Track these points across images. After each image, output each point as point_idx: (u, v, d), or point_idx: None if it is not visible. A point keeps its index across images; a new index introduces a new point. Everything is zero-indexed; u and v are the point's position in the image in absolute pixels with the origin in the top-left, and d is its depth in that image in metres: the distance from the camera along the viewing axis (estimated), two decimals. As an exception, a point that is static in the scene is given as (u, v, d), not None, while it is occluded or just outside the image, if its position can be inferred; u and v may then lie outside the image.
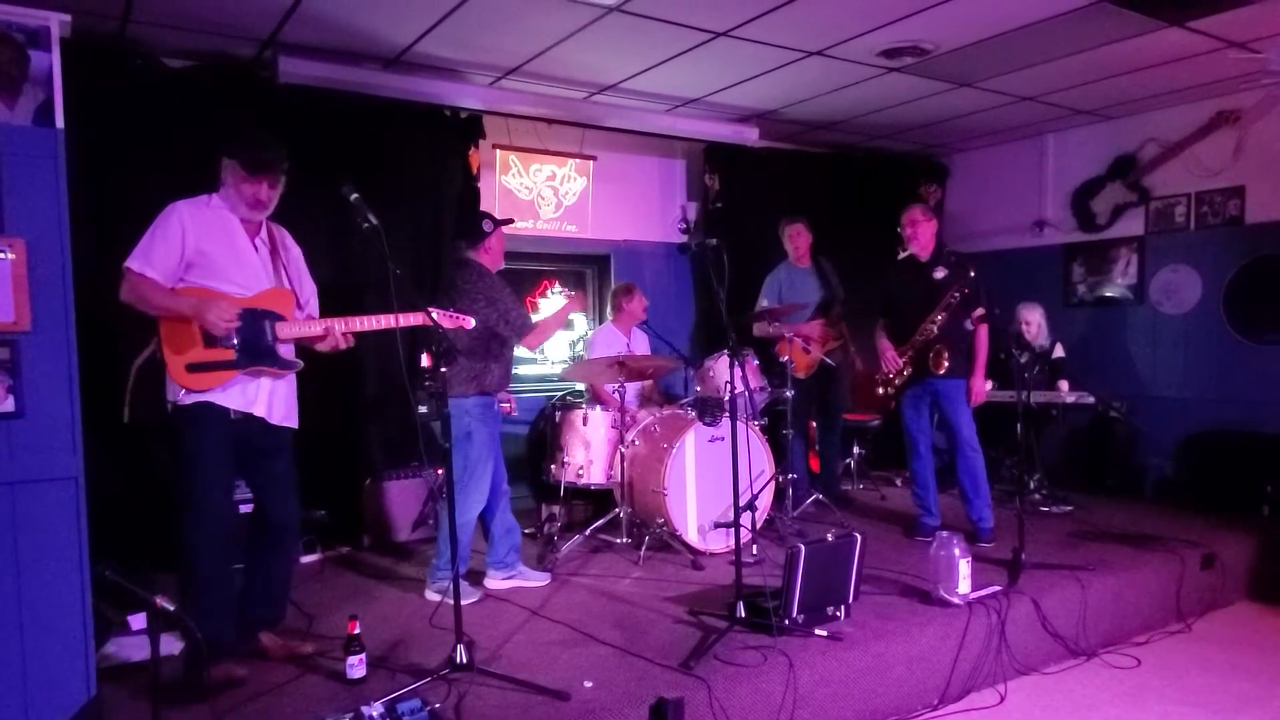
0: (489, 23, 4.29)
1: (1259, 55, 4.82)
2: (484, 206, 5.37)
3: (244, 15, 4.14)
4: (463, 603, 3.05)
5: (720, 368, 4.88)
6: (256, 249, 3.04)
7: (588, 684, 2.86)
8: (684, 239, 5.86)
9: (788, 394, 4.93)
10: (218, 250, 2.93)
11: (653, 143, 6.26)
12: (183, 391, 2.88)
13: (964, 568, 3.57)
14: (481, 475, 3.87)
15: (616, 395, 4.76)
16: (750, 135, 6.21)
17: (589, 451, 4.85)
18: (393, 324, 3.09)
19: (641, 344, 5.51)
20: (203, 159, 3.08)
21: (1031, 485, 5.55)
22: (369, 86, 4.82)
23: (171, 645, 3.08)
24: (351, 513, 4.94)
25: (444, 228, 5.25)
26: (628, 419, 4.82)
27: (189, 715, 2.71)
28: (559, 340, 6.26)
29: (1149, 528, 4.84)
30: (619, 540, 4.67)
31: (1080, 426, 6.06)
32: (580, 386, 5.65)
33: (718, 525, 4.50)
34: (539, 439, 5.73)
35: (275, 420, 3.05)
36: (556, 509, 4.99)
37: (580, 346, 5.94)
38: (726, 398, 4.15)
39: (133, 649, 3.17)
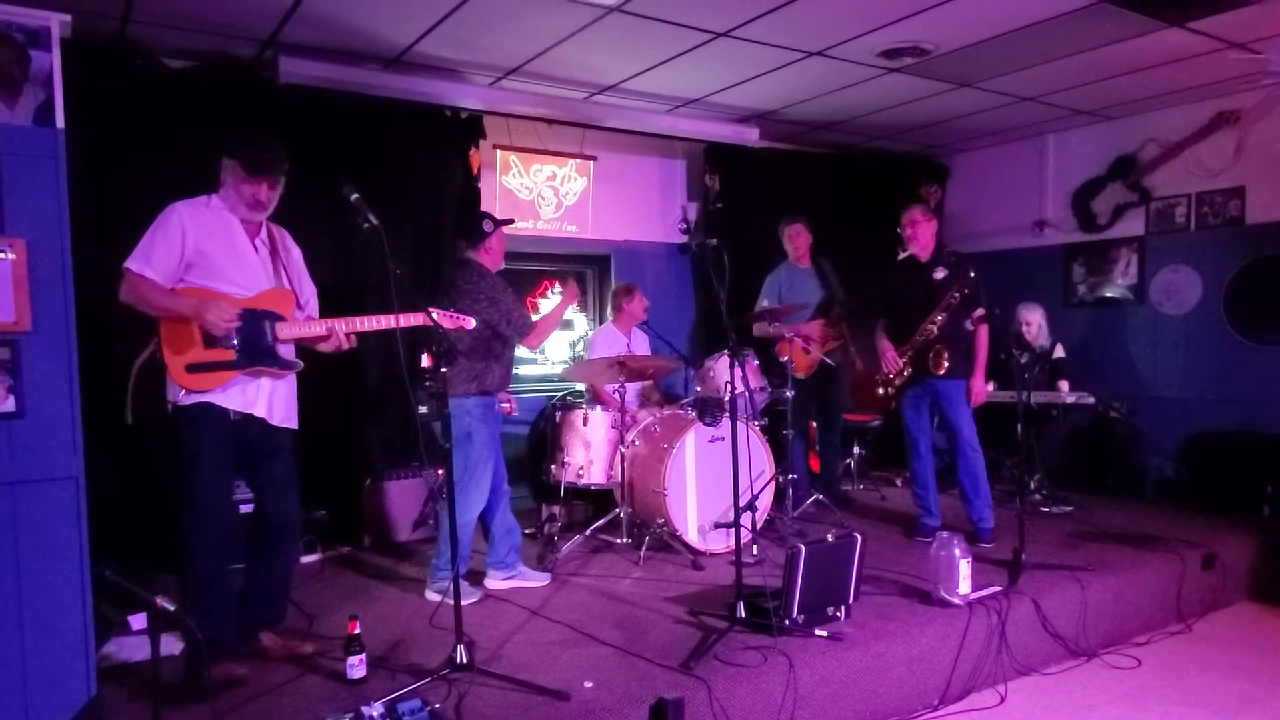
0: (489, 23, 4.29)
1: (1259, 56, 4.82)
2: (484, 207, 5.37)
3: (244, 15, 4.14)
4: (463, 603, 3.05)
5: (720, 368, 4.88)
6: (256, 249, 3.04)
7: (588, 684, 2.86)
8: (684, 239, 5.87)
9: (788, 394, 4.93)
10: (217, 251, 2.93)
11: (653, 143, 6.27)
12: (182, 392, 2.88)
13: (964, 568, 3.57)
14: (482, 475, 3.87)
15: (617, 395, 4.76)
16: (750, 135, 6.21)
17: (589, 452, 4.85)
18: (393, 324, 3.09)
19: (642, 344, 5.51)
20: (203, 159, 3.08)
21: (1032, 485, 5.55)
22: (369, 86, 4.82)
23: (171, 645, 3.08)
24: (352, 513, 4.94)
25: (444, 228, 5.25)
26: (628, 419, 4.82)
27: (189, 715, 2.71)
28: (559, 340, 6.27)
29: (1149, 528, 4.84)
30: (619, 540, 4.67)
31: (1080, 427, 6.06)
32: (580, 386, 5.65)
33: (718, 525, 4.50)
34: (539, 439, 5.73)
35: (276, 421, 3.05)
36: (557, 509, 4.99)
37: (580, 347, 5.94)
38: (726, 398, 4.15)
39: (133, 649, 3.17)
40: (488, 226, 3.97)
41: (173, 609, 2.22)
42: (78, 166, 3.01)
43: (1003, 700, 3.44)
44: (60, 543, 2.66)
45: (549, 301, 6.20)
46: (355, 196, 2.93)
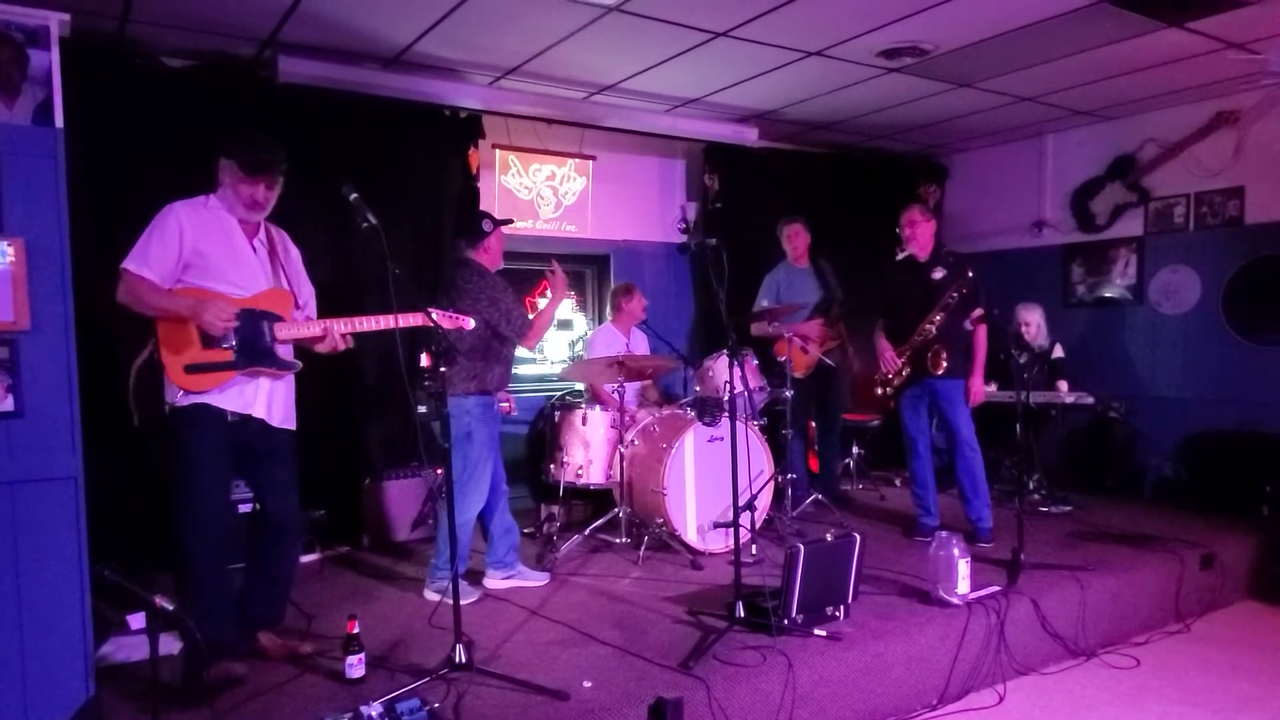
0: (489, 22, 4.29)
1: (1258, 56, 4.82)
2: (483, 206, 5.37)
3: (244, 15, 4.14)
4: (462, 602, 3.06)
5: (719, 368, 4.88)
6: (255, 250, 3.04)
7: (587, 684, 2.86)
8: (683, 239, 5.89)
9: (787, 394, 4.93)
10: (215, 251, 2.93)
11: (652, 143, 6.26)
12: (180, 393, 2.88)
13: (963, 568, 3.57)
14: (481, 475, 3.87)
15: (616, 395, 4.77)
16: (750, 135, 6.21)
17: (588, 451, 4.85)
18: (392, 324, 3.09)
19: (641, 344, 5.51)
20: (202, 159, 3.07)
21: (1031, 485, 5.55)
22: (369, 86, 4.82)
23: (171, 645, 3.08)
24: (351, 512, 4.94)
25: (443, 227, 5.25)
26: (627, 419, 4.82)
27: (188, 715, 2.70)
28: (558, 340, 6.27)
29: (1148, 528, 4.84)
30: (618, 540, 4.67)
31: (1079, 427, 6.06)
32: (580, 386, 5.65)
33: (717, 525, 4.50)
34: (538, 439, 5.73)
35: (275, 422, 3.05)
36: (556, 509, 5.00)
37: (579, 346, 5.94)
38: (726, 398, 4.15)
39: (132, 649, 3.17)
40: (487, 226, 3.97)
41: (172, 608, 2.22)
42: (77, 166, 3.01)
43: (1001, 700, 3.44)
44: (59, 542, 2.67)
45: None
46: (354, 196, 2.92)
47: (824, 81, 5.30)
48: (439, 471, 4.70)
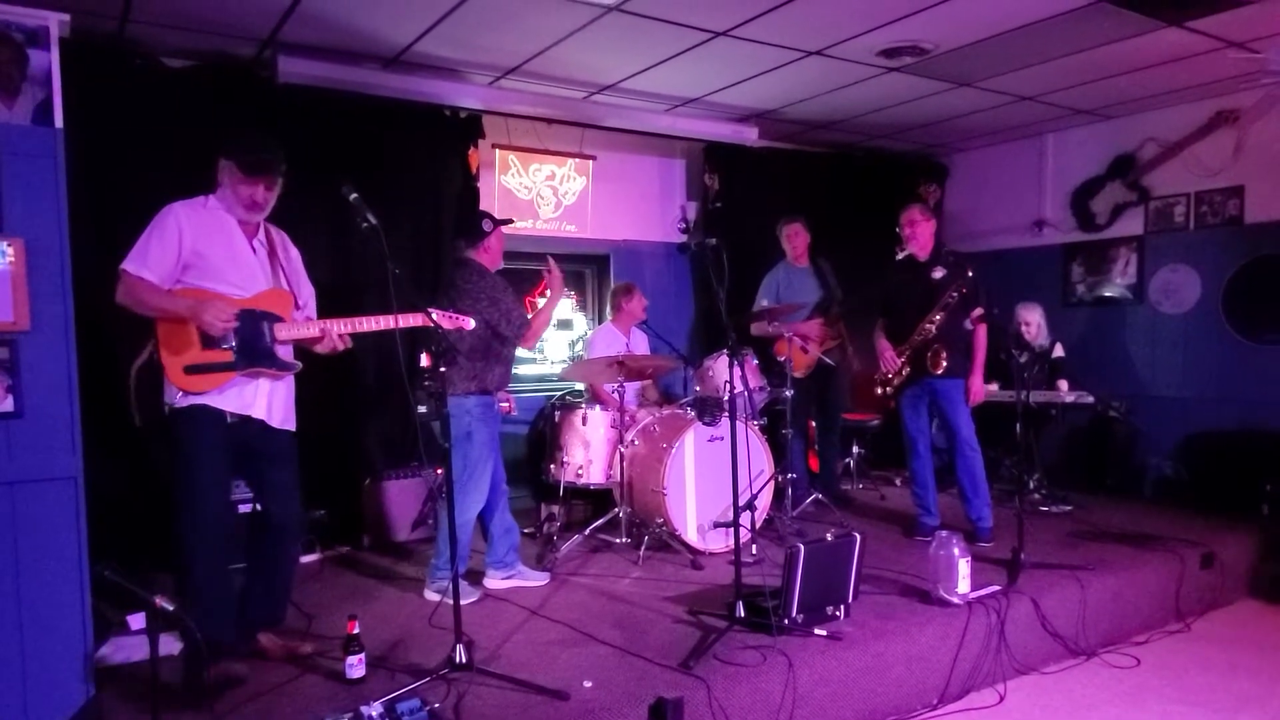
0: (488, 22, 4.29)
1: (1258, 55, 4.82)
2: (483, 206, 5.37)
3: (244, 15, 4.14)
4: (462, 602, 3.05)
5: (719, 367, 4.88)
6: (254, 250, 3.03)
7: (587, 684, 2.86)
8: (683, 239, 5.88)
9: (787, 394, 4.93)
10: (215, 251, 2.92)
11: (652, 142, 6.26)
12: (179, 394, 2.87)
13: (963, 567, 3.57)
14: (481, 475, 3.87)
15: (616, 395, 4.76)
16: (750, 135, 6.21)
17: (588, 451, 4.85)
18: (392, 325, 3.09)
19: (641, 344, 5.51)
20: (202, 159, 3.07)
21: (1031, 485, 5.55)
22: (368, 86, 4.82)
23: (171, 645, 3.08)
24: (351, 512, 4.94)
25: (443, 227, 5.25)
26: (627, 419, 4.82)
27: (189, 716, 2.70)
28: (558, 340, 6.27)
29: (1149, 527, 4.84)
30: (618, 540, 4.67)
31: (1080, 426, 6.06)
32: (580, 386, 5.65)
33: (717, 525, 4.50)
34: (538, 439, 5.73)
35: (275, 423, 3.05)
36: (556, 509, 4.99)
37: (579, 346, 5.94)
38: (726, 397, 4.15)
39: (132, 649, 3.17)
40: (487, 226, 3.97)
41: (172, 609, 2.22)
42: (77, 166, 3.01)
43: (1002, 699, 3.44)
44: (59, 543, 2.67)
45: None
46: (354, 196, 2.92)
47: (824, 81, 5.30)
48: (439, 471, 4.70)
